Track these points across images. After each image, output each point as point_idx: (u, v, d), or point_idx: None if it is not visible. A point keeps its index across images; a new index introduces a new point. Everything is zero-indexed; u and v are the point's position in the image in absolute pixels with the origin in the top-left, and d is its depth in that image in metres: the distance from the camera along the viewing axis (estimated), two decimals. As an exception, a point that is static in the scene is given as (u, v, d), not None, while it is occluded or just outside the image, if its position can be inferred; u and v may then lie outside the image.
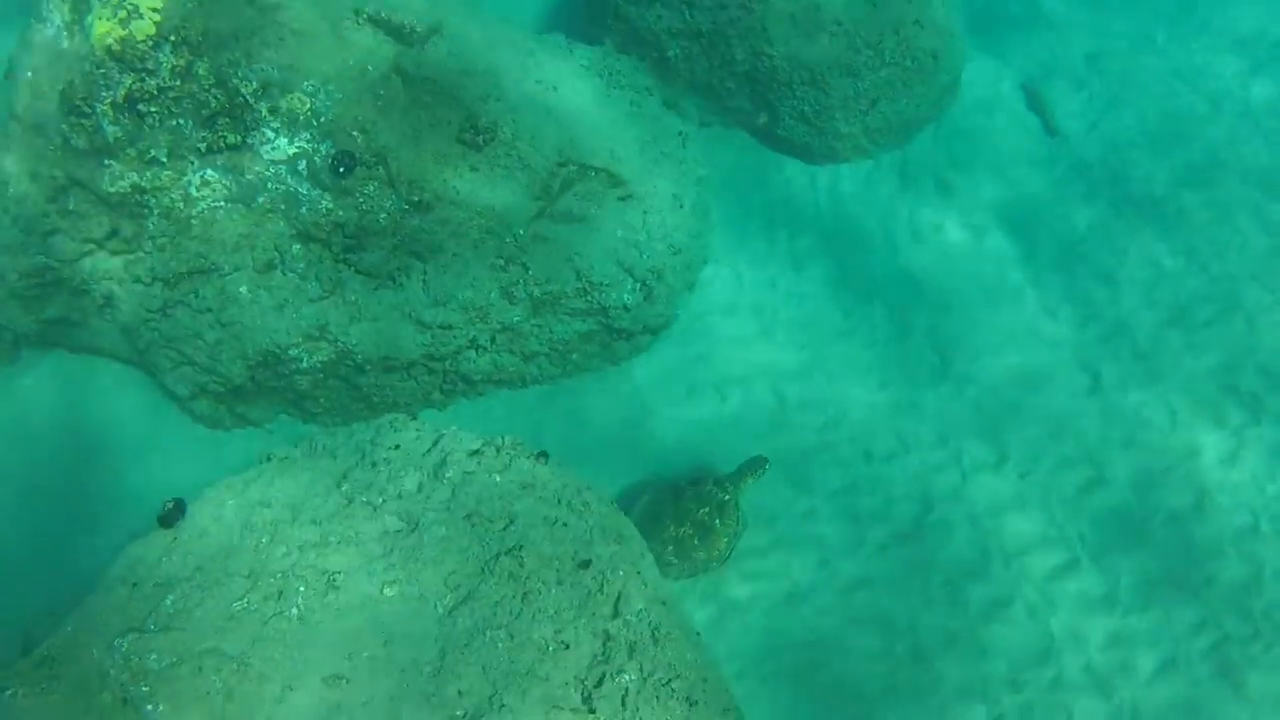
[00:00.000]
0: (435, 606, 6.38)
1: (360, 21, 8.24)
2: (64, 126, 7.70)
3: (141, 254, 8.04)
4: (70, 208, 7.95)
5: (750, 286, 9.54)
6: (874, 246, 9.70)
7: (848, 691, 7.42)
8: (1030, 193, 10.03)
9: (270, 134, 7.87)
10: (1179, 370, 8.95)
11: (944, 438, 8.55)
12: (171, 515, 6.91)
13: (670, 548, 7.71)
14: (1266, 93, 11.01)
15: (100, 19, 7.52)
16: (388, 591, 6.45)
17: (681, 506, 7.82)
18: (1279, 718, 7.37)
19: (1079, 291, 9.42)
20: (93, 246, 8.08)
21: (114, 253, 8.08)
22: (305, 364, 8.24)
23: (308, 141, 7.92)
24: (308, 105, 7.88)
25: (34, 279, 8.23)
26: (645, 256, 8.82)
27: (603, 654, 6.27)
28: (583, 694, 6.10)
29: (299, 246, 8.10)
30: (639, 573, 6.75)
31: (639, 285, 8.78)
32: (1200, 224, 9.86)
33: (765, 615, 7.79)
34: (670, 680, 6.23)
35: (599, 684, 6.13)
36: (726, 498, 7.85)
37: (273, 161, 7.92)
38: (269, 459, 7.53)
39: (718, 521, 7.77)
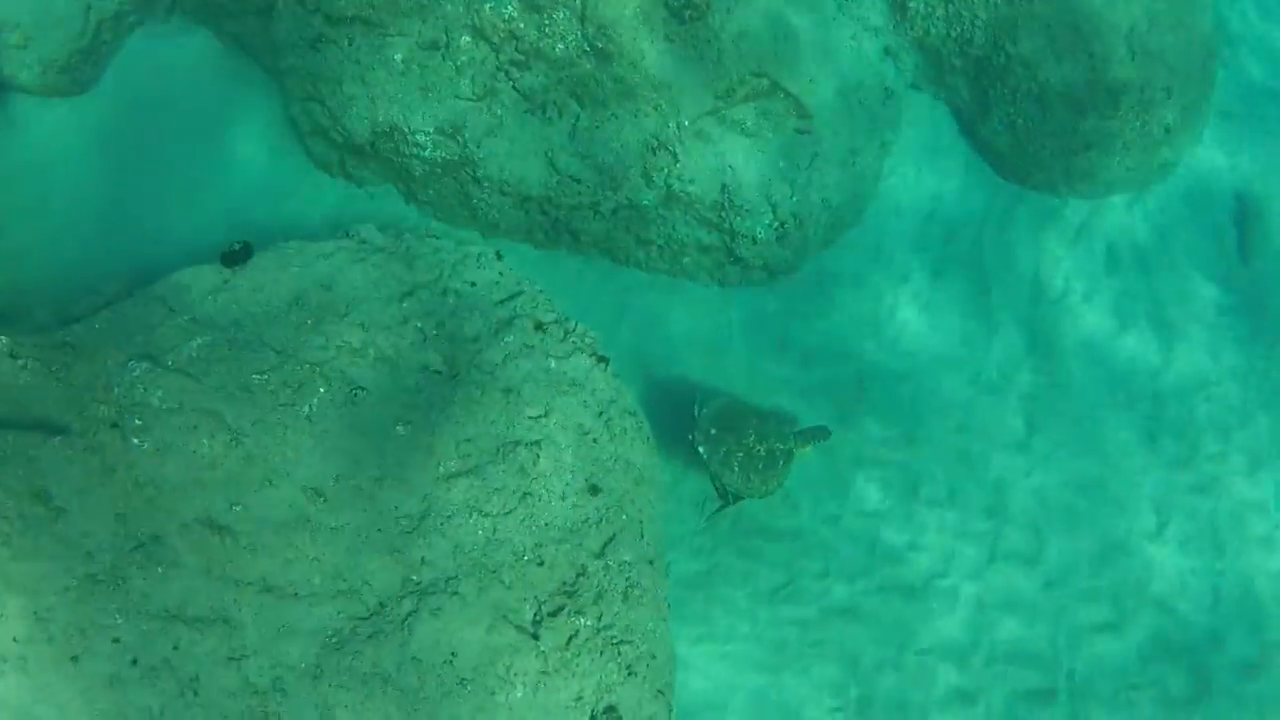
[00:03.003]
0: (439, 466, 6.21)
1: None
2: None
3: (313, -21, 7.70)
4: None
5: (884, 267, 9.03)
6: (1019, 288, 9.09)
7: (786, 709, 7.28)
8: (1196, 308, 9.27)
9: (484, -83, 7.42)
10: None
11: (992, 511, 8.15)
12: (236, 256, 6.75)
13: (740, 454, 7.51)
14: None
15: None
16: (400, 430, 6.29)
17: (766, 426, 7.67)
18: None
19: (1191, 432, 8.74)
20: (267, -54, 7.76)
21: (287, -37, 7.74)
22: (427, 154, 7.95)
23: (523, -59, 7.48)
24: (530, -98, 7.42)
25: (203, -46, 7.94)
26: (795, 199, 8.36)
27: (571, 587, 6.12)
28: (535, 616, 5.98)
29: (468, 39, 7.71)
30: (642, 522, 6.55)
31: (777, 224, 8.34)
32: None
33: (748, 599, 7.60)
34: (620, 643, 6.09)
35: (554, 614, 6.01)
36: (794, 449, 7.72)
37: (478, -55, 7.50)
38: (347, 235, 7.34)
39: (782, 463, 7.62)
